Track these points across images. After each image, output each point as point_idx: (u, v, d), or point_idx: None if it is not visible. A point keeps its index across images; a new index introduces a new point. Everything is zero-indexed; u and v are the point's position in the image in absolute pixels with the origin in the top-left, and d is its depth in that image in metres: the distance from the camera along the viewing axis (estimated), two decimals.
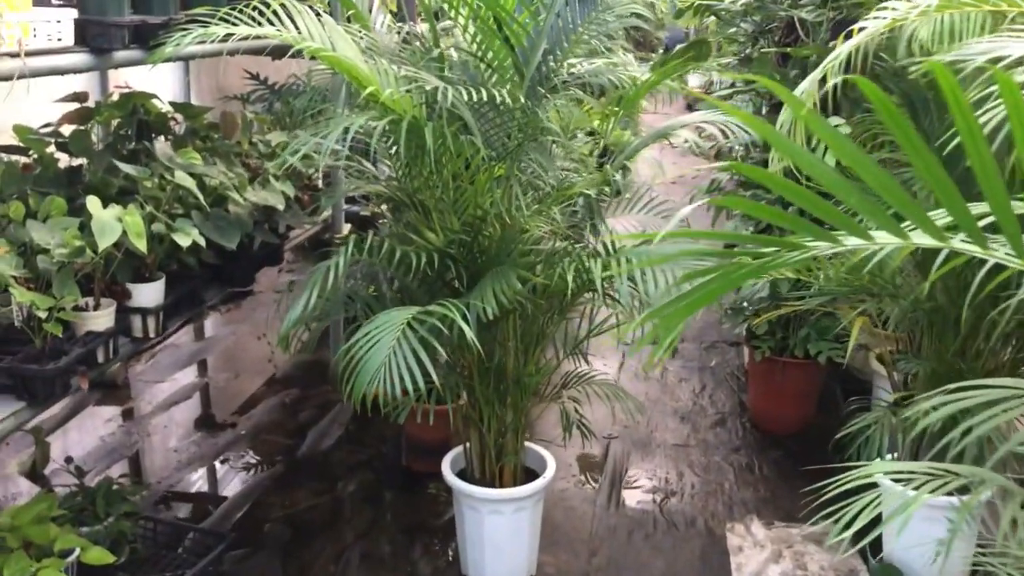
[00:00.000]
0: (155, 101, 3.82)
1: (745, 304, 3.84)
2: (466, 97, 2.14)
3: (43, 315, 2.20)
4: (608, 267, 2.34)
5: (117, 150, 3.44)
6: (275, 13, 2.44)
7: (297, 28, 2.43)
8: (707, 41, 4.76)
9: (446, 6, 2.46)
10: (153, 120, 3.75)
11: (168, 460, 3.78)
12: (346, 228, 4.29)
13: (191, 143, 3.50)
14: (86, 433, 3.98)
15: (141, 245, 2.37)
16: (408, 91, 2.32)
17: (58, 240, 2.35)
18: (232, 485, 3.63)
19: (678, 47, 5.10)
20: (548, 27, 2.38)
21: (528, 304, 2.51)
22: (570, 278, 2.31)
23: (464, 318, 2.20)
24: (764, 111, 4.58)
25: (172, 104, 3.87)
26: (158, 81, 4.70)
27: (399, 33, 3.27)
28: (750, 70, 4.82)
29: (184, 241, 2.53)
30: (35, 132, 3.37)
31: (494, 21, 2.38)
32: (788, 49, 3.81)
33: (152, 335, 2.72)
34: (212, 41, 2.32)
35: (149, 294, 2.66)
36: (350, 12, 3.27)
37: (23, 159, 3.20)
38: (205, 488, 3.63)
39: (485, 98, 2.17)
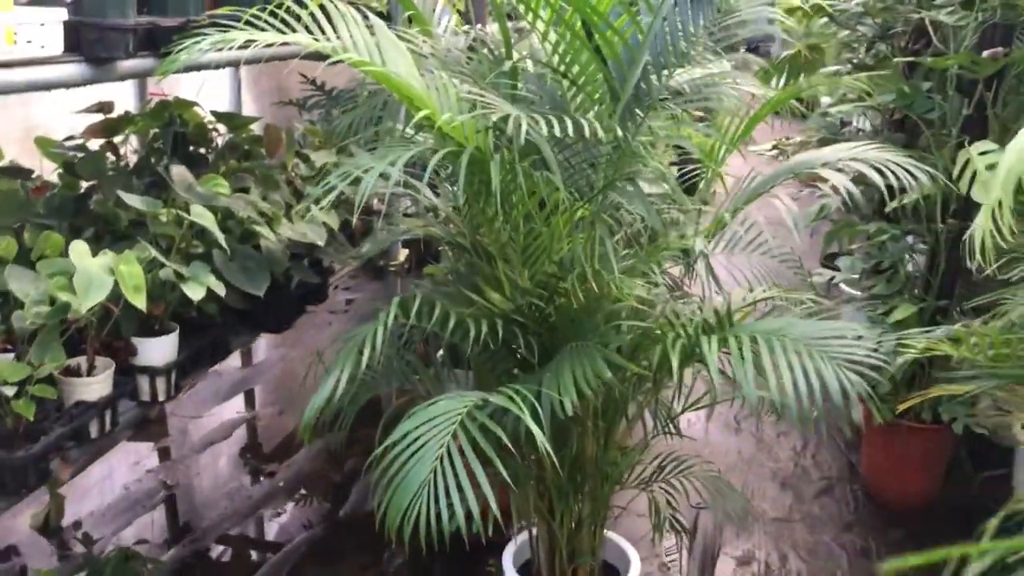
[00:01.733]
0: (196, 109, 3.42)
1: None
2: (545, 130, 1.63)
3: (10, 391, 1.77)
4: (725, 342, 1.81)
5: (151, 165, 3.03)
6: (312, 16, 1.99)
7: (338, 34, 1.97)
8: (819, 47, 4.16)
9: (522, 7, 1.95)
10: (192, 132, 3.34)
11: (196, 516, 3.36)
12: (403, 253, 3.82)
13: (227, 161, 3.07)
14: (111, 478, 3.59)
15: (139, 301, 1.93)
16: (472, 116, 1.82)
17: (41, 292, 1.92)
18: (263, 552, 3.19)
19: (782, 54, 4.51)
20: (652, 35, 1.85)
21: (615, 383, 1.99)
22: (676, 362, 1.78)
23: (535, 411, 1.69)
24: (885, 130, 3.97)
25: (214, 113, 3.45)
26: (209, 84, 4.31)
27: (467, 35, 2.78)
28: (868, 81, 4.21)
29: (195, 293, 2.07)
30: (59, 145, 2.98)
31: (582, 27, 1.87)
32: (922, 59, 3.20)
33: (162, 398, 2.27)
34: (231, 48, 1.86)
35: (158, 350, 2.21)
36: (409, 12, 2.80)
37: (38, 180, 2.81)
38: (233, 554, 3.20)
39: (570, 131, 1.65)
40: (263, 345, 4.96)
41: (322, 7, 2.03)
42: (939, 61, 3.12)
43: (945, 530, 3.34)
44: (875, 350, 1.88)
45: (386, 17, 3.23)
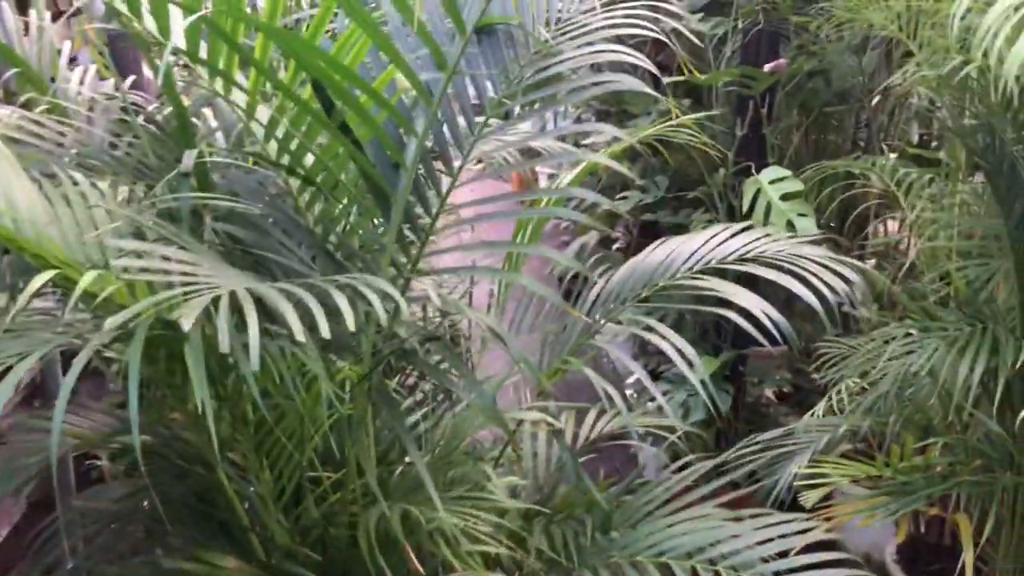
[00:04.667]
0: None
1: None
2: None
3: None
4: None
5: None
6: None
7: None
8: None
9: (198, 67, 1.13)
10: None
11: None
12: None
13: None
14: None
15: None
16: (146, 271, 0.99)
17: None
18: None
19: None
20: (440, 103, 1.12)
21: None
22: None
23: None
24: (644, 154, 3.53)
25: None
26: None
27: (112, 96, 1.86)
28: (605, 102, 3.76)
29: None
30: None
31: (315, 93, 1.09)
32: (694, 77, 2.74)
33: None
34: None
35: None
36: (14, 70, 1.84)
37: None
38: None
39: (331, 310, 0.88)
40: None
41: None
42: (714, 76, 2.67)
43: None
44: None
45: None
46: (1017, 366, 1.56)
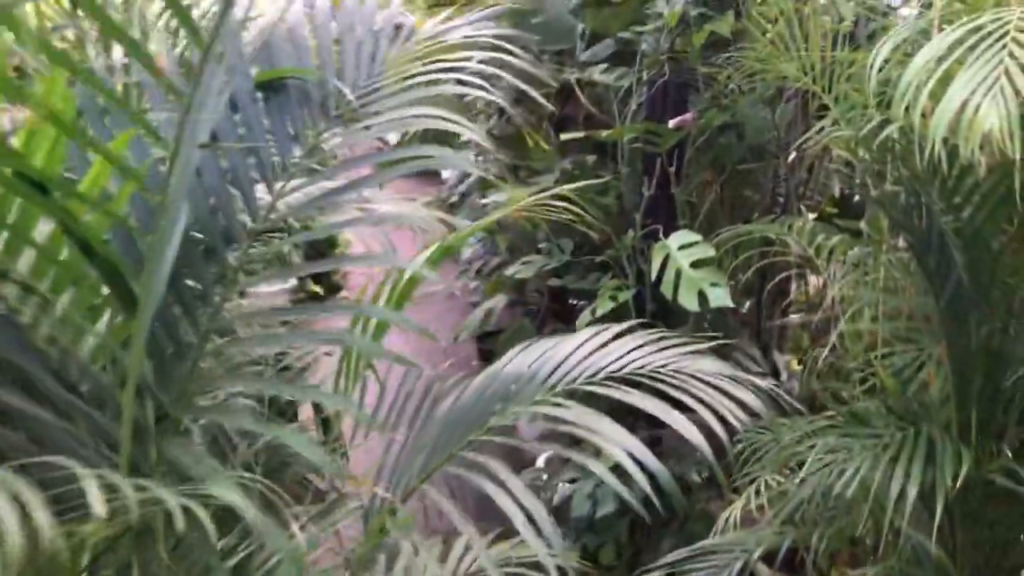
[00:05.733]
0: None
1: None
2: None
3: None
4: None
5: None
6: None
7: None
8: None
9: None
10: None
11: None
12: None
13: None
14: None
15: None
16: None
17: None
18: None
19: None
20: (180, 183, 0.82)
21: None
22: None
23: None
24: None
25: None
26: None
27: None
28: (510, 156, 3.52)
29: None
30: None
31: (16, 177, 0.79)
32: (595, 133, 2.50)
33: None
34: None
35: None
36: None
37: None
38: None
39: None
40: None
41: None
42: (615, 132, 2.42)
43: None
44: None
45: None
46: (959, 481, 1.31)
